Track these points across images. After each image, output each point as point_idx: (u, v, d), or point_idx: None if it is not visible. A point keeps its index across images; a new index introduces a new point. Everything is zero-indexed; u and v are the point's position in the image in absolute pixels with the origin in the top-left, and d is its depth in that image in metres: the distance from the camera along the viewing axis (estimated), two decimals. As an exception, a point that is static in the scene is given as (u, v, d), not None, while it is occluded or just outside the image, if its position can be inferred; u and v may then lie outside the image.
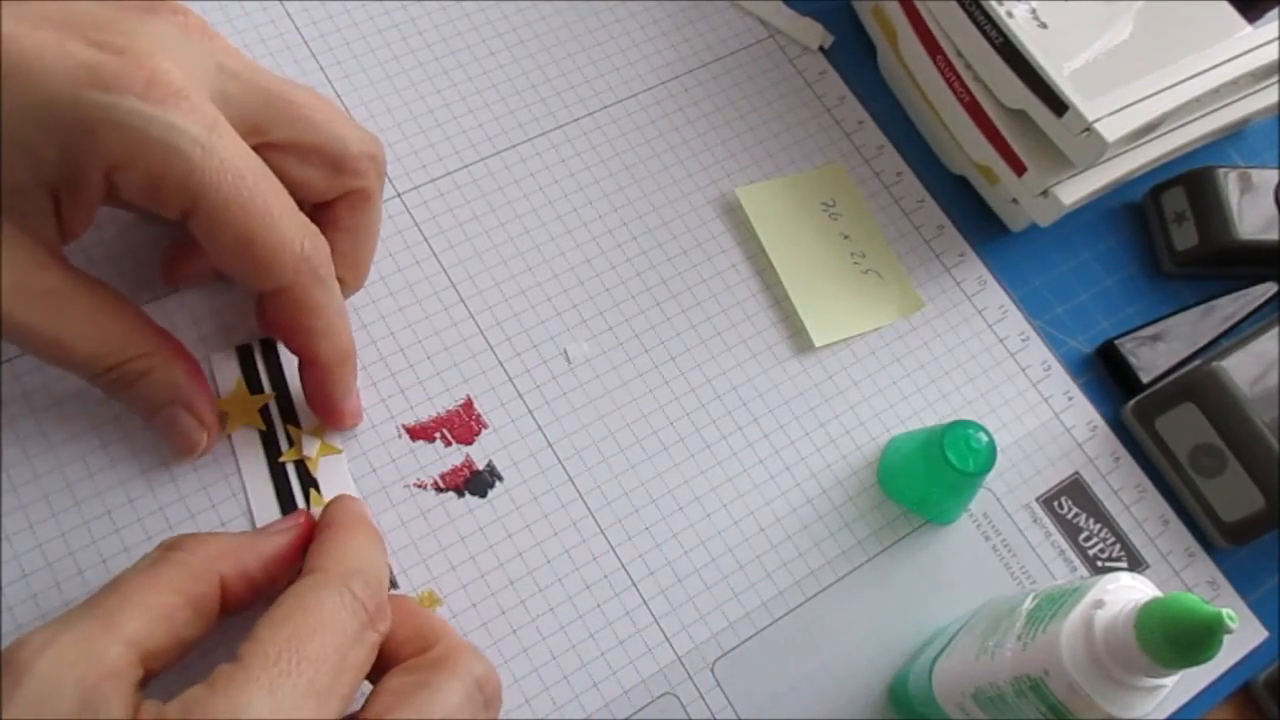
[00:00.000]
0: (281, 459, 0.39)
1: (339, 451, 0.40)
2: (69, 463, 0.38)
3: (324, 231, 0.37)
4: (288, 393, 0.40)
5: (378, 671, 0.32)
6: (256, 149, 0.34)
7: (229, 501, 0.39)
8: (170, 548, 0.32)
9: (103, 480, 0.38)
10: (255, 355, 0.41)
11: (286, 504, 0.39)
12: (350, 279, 0.39)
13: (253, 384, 0.40)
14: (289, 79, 0.36)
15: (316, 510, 0.38)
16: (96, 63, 0.30)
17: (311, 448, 0.40)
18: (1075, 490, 0.46)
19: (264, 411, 0.40)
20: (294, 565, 0.35)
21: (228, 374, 0.40)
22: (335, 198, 0.38)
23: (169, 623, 0.30)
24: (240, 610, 0.33)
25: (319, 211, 0.38)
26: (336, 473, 0.40)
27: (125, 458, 0.39)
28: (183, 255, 0.40)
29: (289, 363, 0.41)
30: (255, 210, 0.32)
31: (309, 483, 0.39)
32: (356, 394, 0.40)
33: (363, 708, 0.30)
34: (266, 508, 0.39)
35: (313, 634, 0.29)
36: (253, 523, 0.38)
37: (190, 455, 0.38)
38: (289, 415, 0.40)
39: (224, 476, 0.39)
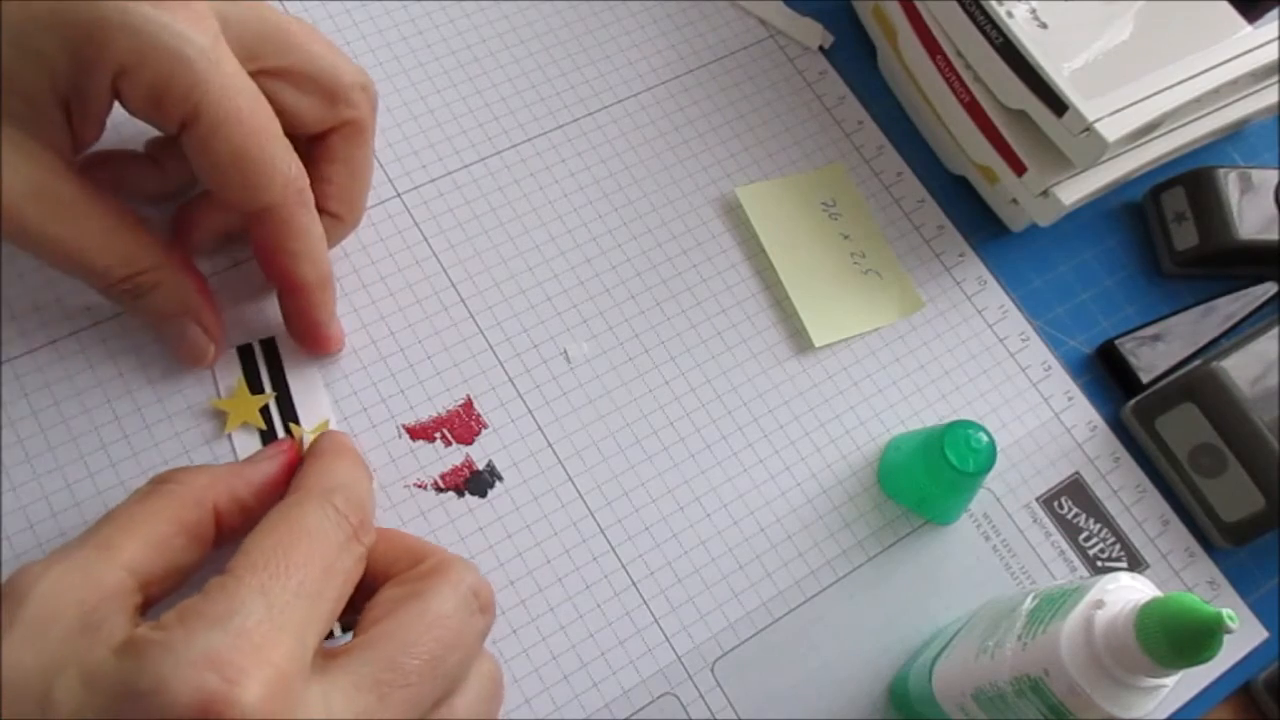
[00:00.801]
0: None
1: None
2: (69, 463, 0.38)
3: (318, 164, 0.39)
4: (288, 392, 0.40)
5: (371, 592, 0.32)
6: (252, 75, 0.35)
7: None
8: (162, 480, 0.32)
9: (103, 480, 0.38)
10: (256, 355, 0.41)
11: None
12: (346, 213, 0.40)
13: (254, 384, 0.40)
14: (283, 12, 0.37)
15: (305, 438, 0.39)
16: None
17: None
18: (1075, 490, 0.46)
19: (264, 412, 0.40)
20: (282, 487, 0.35)
21: (229, 374, 0.40)
22: (329, 129, 0.38)
23: (165, 549, 0.30)
24: (235, 538, 0.33)
25: (313, 144, 0.39)
26: None
27: (125, 458, 0.39)
28: (190, 218, 0.40)
29: (290, 362, 0.41)
30: (251, 127, 0.33)
31: None
32: (339, 321, 0.41)
33: (359, 622, 0.30)
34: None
35: (297, 542, 0.29)
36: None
37: (198, 365, 0.39)
38: (290, 414, 0.40)
39: (224, 476, 0.39)
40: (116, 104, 0.34)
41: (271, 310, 0.41)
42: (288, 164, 0.35)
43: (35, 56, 0.31)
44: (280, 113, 0.36)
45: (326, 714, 0.27)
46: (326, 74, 0.37)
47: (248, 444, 0.39)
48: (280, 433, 0.40)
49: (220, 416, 0.40)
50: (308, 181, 0.36)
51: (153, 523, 0.30)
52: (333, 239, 0.40)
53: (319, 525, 0.30)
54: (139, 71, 0.31)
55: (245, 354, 0.41)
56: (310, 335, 0.40)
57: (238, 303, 0.41)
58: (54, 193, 0.33)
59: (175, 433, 0.39)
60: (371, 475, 0.36)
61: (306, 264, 0.37)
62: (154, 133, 0.40)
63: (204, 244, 0.41)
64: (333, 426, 0.40)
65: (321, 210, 0.39)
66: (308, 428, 0.40)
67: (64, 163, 0.34)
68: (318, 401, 0.41)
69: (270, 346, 0.41)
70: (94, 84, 0.32)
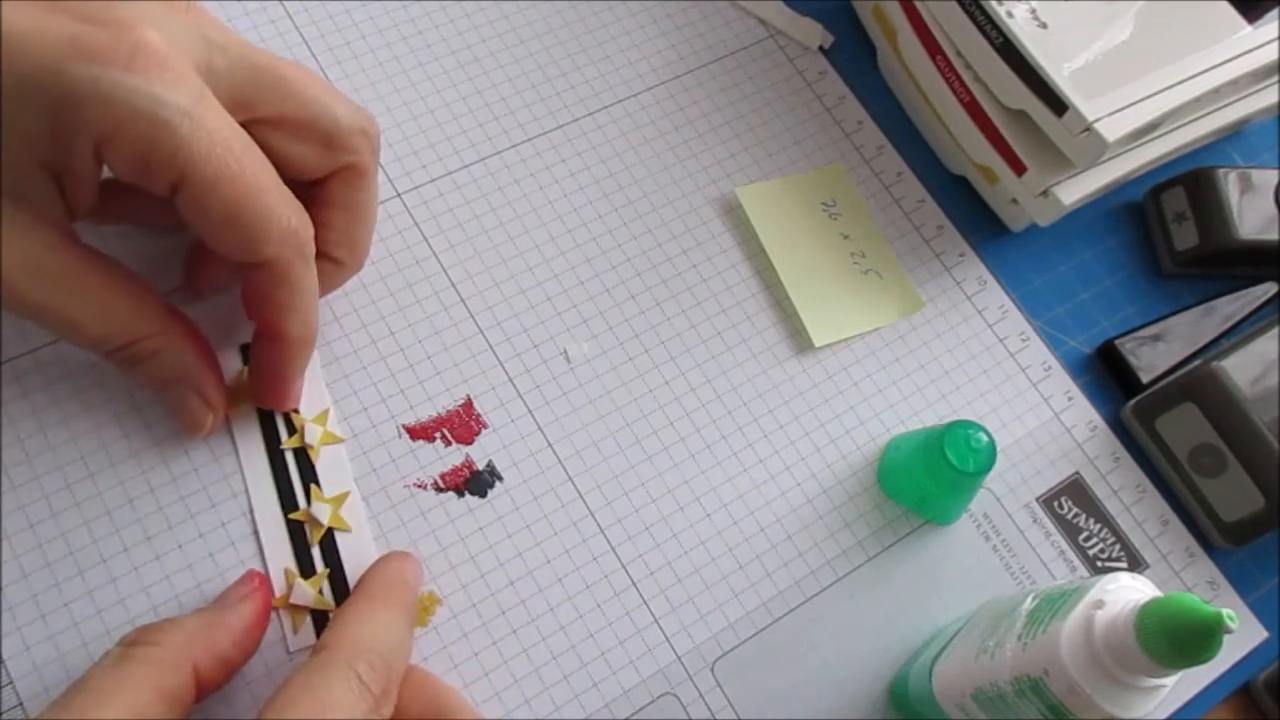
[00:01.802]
0: (282, 446, 0.39)
1: (340, 440, 0.40)
2: (69, 463, 0.38)
3: (319, 209, 0.38)
4: None
5: None
6: (245, 125, 0.34)
7: (229, 502, 0.39)
8: (134, 643, 0.31)
9: (103, 480, 0.38)
10: None
11: (286, 500, 0.39)
12: (348, 258, 0.39)
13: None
14: (278, 55, 0.36)
15: (319, 507, 0.39)
16: (79, 34, 0.30)
17: (314, 435, 0.40)
18: (1075, 490, 0.46)
19: None
20: (262, 629, 0.35)
21: (231, 370, 0.40)
22: (328, 174, 0.38)
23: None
24: (216, 689, 0.33)
25: (313, 189, 0.38)
26: (337, 465, 0.40)
27: (125, 458, 0.39)
28: (200, 262, 0.40)
29: None
30: (243, 183, 0.32)
31: (309, 476, 0.39)
32: (303, 379, 0.40)
33: None
34: (266, 503, 0.39)
35: (318, 716, 0.29)
36: (254, 523, 0.38)
37: (196, 434, 0.39)
38: None
39: (224, 476, 0.39)
40: None
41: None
42: (285, 217, 0.34)
43: (13, 130, 0.30)
44: (277, 161, 0.35)
45: None
46: (323, 120, 0.36)
47: (249, 432, 0.39)
48: (282, 423, 0.40)
49: (235, 415, 0.40)
50: (311, 233, 0.35)
51: (131, 692, 0.30)
52: (334, 283, 0.40)
53: (341, 700, 0.30)
54: (117, 140, 0.30)
55: (247, 352, 0.41)
56: (273, 388, 0.39)
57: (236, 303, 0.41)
58: (47, 266, 0.33)
59: (175, 432, 0.39)
60: (410, 618, 0.35)
61: (295, 319, 0.36)
62: None
63: (219, 278, 0.40)
64: (332, 422, 0.40)
65: (323, 255, 0.38)
66: (308, 417, 0.40)
67: (58, 233, 0.33)
68: (318, 391, 0.41)
69: None
70: (75, 155, 0.31)
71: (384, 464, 0.40)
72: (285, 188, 0.34)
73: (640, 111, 0.49)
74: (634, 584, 0.40)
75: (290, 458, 0.40)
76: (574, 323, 0.44)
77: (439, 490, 0.40)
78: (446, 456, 0.41)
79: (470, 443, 0.41)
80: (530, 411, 0.42)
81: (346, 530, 0.39)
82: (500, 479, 0.41)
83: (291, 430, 0.40)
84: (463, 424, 0.42)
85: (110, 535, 0.37)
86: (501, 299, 0.44)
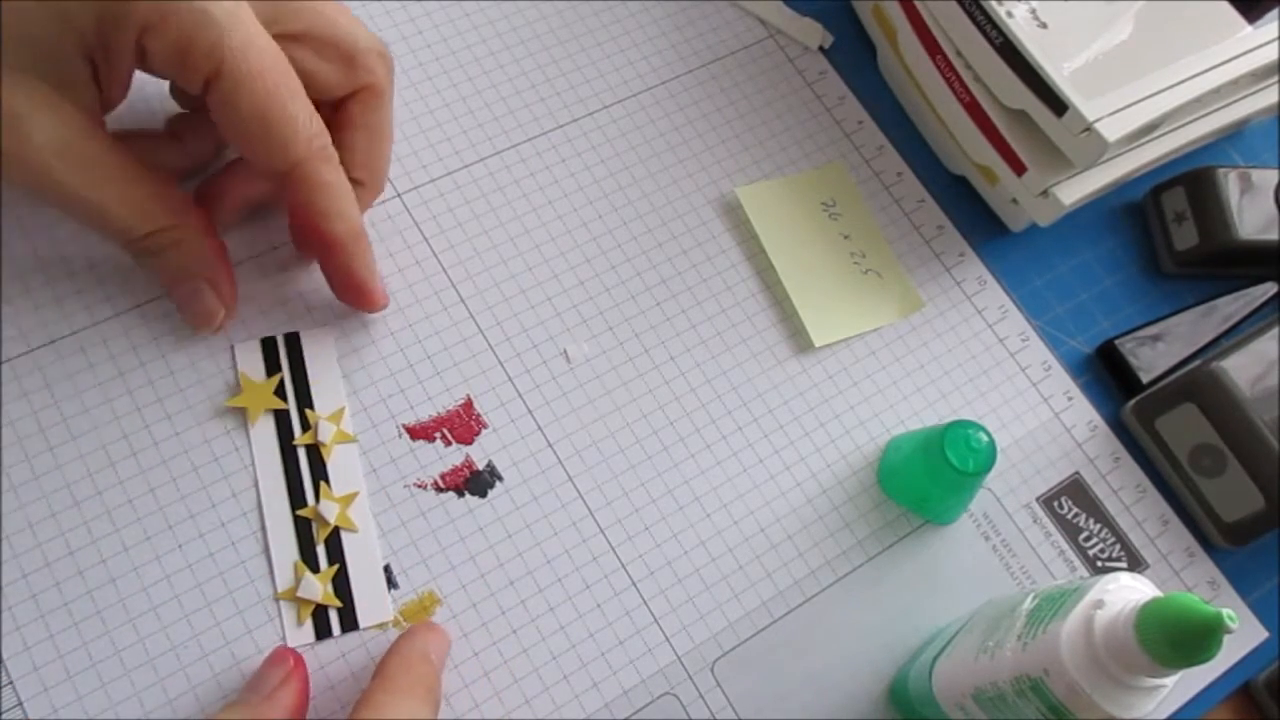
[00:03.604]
0: (295, 442, 0.39)
1: (353, 440, 0.40)
2: (69, 462, 0.38)
3: (339, 131, 0.39)
4: (305, 376, 0.41)
5: None
6: (273, 38, 0.35)
7: (229, 502, 0.39)
8: None
9: (102, 480, 0.38)
10: (279, 345, 0.41)
11: (295, 496, 0.39)
12: (369, 179, 0.40)
13: (271, 365, 0.41)
14: None
15: (327, 505, 0.38)
16: None
17: (327, 433, 0.40)
18: (1075, 490, 0.46)
19: (279, 392, 0.40)
20: (304, 713, 0.35)
21: (251, 364, 0.40)
22: (347, 95, 0.39)
23: None
24: None
25: (333, 110, 0.39)
26: (348, 464, 0.40)
27: (125, 457, 0.39)
28: (214, 190, 0.41)
29: (311, 354, 0.41)
30: (273, 84, 0.34)
31: (320, 473, 0.39)
32: (380, 277, 0.41)
33: None
34: (276, 497, 0.39)
35: None
36: (261, 518, 0.38)
37: (206, 327, 0.39)
38: (305, 400, 0.40)
39: (224, 476, 0.39)
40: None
41: (293, 304, 0.42)
42: (309, 122, 0.35)
43: (62, 14, 0.31)
44: (301, 76, 0.36)
45: None
46: (344, 39, 0.38)
47: (263, 427, 0.39)
48: (295, 415, 0.40)
49: (234, 414, 0.40)
50: (329, 139, 0.37)
51: None
52: (358, 205, 0.40)
53: None
54: (162, 28, 0.32)
55: (268, 346, 0.41)
56: (354, 291, 0.40)
57: (261, 295, 0.42)
58: (80, 150, 0.34)
59: (175, 432, 0.39)
60: (437, 701, 0.35)
61: (337, 221, 0.38)
62: (174, 111, 0.41)
63: (229, 216, 0.41)
64: (346, 421, 0.40)
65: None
66: (323, 414, 0.40)
67: (91, 120, 0.34)
68: (334, 389, 0.41)
69: (292, 340, 0.41)
70: (118, 41, 0.32)
71: (384, 464, 0.40)
72: (307, 98, 0.36)
73: (640, 111, 0.49)
74: (634, 584, 0.40)
75: (303, 454, 0.40)
76: (574, 323, 0.44)
77: (439, 490, 0.40)
78: (446, 456, 0.41)
79: (470, 443, 0.41)
80: (530, 411, 0.42)
81: (354, 531, 0.39)
82: (500, 479, 0.41)
83: (305, 426, 0.40)
84: (463, 424, 0.42)
85: (110, 535, 0.37)
86: (501, 299, 0.44)
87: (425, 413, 0.42)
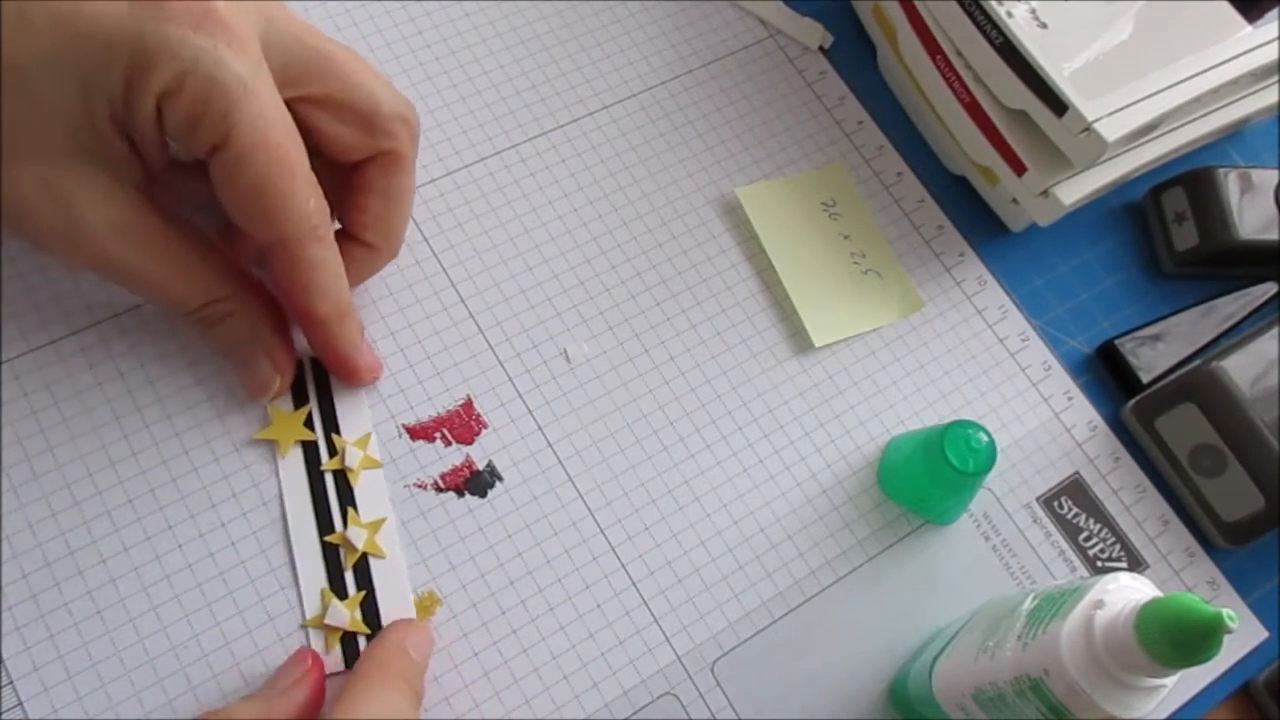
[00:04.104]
0: (323, 468, 0.39)
1: (379, 465, 0.40)
2: (69, 462, 0.38)
3: (356, 194, 0.39)
4: (332, 401, 0.40)
5: None
6: (291, 101, 0.35)
7: (229, 501, 0.39)
8: None
9: (102, 480, 0.38)
10: (305, 368, 0.41)
11: (323, 520, 0.39)
12: (383, 244, 0.40)
13: (298, 396, 0.40)
14: (329, 37, 0.37)
15: (354, 532, 0.38)
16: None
17: (354, 458, 0.40)
18: (1075, 490, 0.46)
19: (307, 422, 0.40)
20: (317, 710, 0.35)
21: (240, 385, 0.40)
22: (367, 158, 0.39)
23: None
24: None
25: (351, 173, 0.39)
26: (375, 490, 0.40)
27: (125, 458, 0.39)
28: (224, 243, 0.41)
29: (337, 379, 0.41)
30: (277, 159, 0.34)
31: (347, 499, 0.39)
32: (369, 348, 0.41)
33: None
34: (303, 524, 0.39)
35: None
36: (288, 542, 0.38)
37: (262, 396, 0.39)
38: (332, 423, 0.40)
39: (224, 476, 0.39)
40: None
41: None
42: (306, 200, 0.35)
43: (98, 87, 0.32)
44: (319, 140, 0.36)
45: None
46: (366, 104, 0.37)
47: (292, 459, 0.39)
48: (323, 445, 0.40)
49: (252, 416, 0.40)
50: (326, 216, 0.36)
51: None
52: (369, 269, 0.40)
53: None
54: (179, 95, 0.32)
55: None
56: (335, 366, 0.40)
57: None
58: (134, 227, 0.34)
59: (175, 432, 0.39)
60: (418, 694, 0.35)
61: (319, 299, 0.37)
62: None
63: (248, 255, 0.41)
64: (373, 446, 0.40)
65: (358, 240, 0.39)
66: (349, 439, 0.40)
67: (140, 195, 0.35)
68: (360, 415, 0.41)
69: (318, 364, 0.41)
70: (141, 107, 0.32)
71: (384, 464, 0.40)
72: (311, 173, 0.35)
73: (640, 111, 0.49)
74: (634, 584, 0.40)
75: (330, 479, 0.39)
76: (574, 323, 0.44)
77: (439, 490, 0.40)
78: (446, 456, 0.41)
79: (470, 443, 0.41)
80: (530, 411, 0.42)
81: (381, 557, 0.39)
82: (500, 479, 0.41)
83: (333, 452, 0.40)
84: (463, 424, 0.42)
85: (110, 535, 0.37)
86: (501, 299, 0.44)
87: (425, 413, 0.42)
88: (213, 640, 0.37)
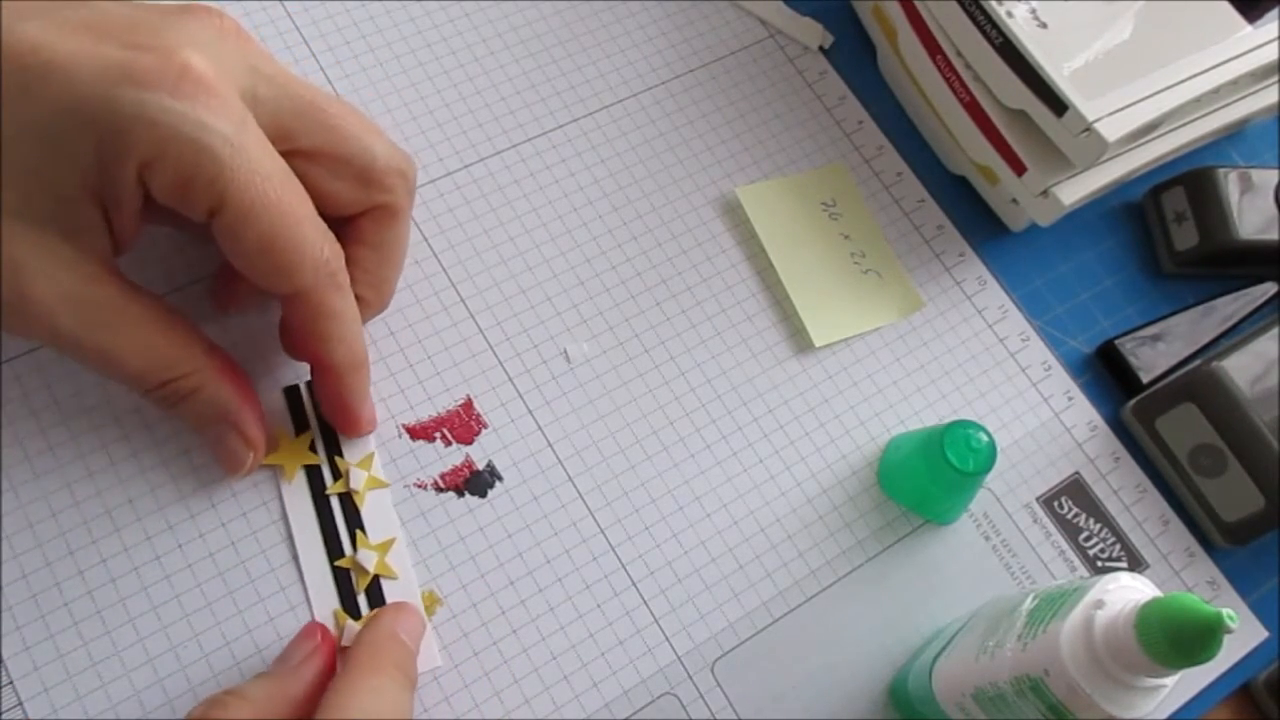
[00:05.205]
0: (328, 491, 0.39)
1: (386, 485, 0.40)
2: (69, 462, 0.38)
3: (349, 246, 0.37)
4: (334, 429, 0.40)
5: None
6: (283, 155, 0.34)
7: (229, 502, 0.39)
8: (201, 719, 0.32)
9: (103, 480, 0.38)
10: (301, 394, 0.40)
11: (332, 545, 0.38)
12: (374, 298, 0.39)
13: (298, 421, 0.40)
14: (322, 89, 0.36)
15: (365, 554, 0.38)
16: (127, 60, 0.30)
17: (359, 480, 0.40)
18: (1075, 490, 0.46)
19: (310, 446, 0.40)
20: (324, 687, 0.34)
21: (273, 417, 0.40)
22: (361, 212, 0.37)
23: None
24: None
25: (345, 225, 0.38)
26: (382, 510, 0.39)
27: (125, 458, 0.39)
28: (230, 279, 0.40)
29: None
30: (279, 212, 0.32)
31: (355, 522, 0.39)
32: (371, 402, 0.40)
33: None
34: (313, 549, 0.38)
35: None
36: (296, 562, 0.38)
37: (236, 473, 0.38)
38: (335, 446, 0.40)
39: (225, 476, 0.39)
40: None
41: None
42: (319, 247, 0.34)
43: (66, 155, 0.30)
44: (312, 194, 0.35)
45: None
46: (361, 157, 0.36)
47: (297, 485, 0.39)
48: (327, 469, 0.39)
49: (275, 469, 0.39)
50: (342, 262, 0.36)
51: None
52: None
53: None
54: (161, 164, 0.31)
55: (291, 394, 0.40)
56: (340, 417, 0.39)
57: (267, 340, 0.41)
58: (87, 299, 0.33)
59: (175, 431, 0.39)
60: (410, 680, 0.35)
61: (340, 347, 0.37)
62: None
63: (247, 302, 0.40)
64: (376, 466, 0.40)
65: None
66: (352, 461, 0.40)
67: (100, 266, 0.33)
68: (363, 438, 0.40)
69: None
70: (120, 178, 0.31)
71: (384, 464, 0.40)
72: (319, 219, 0.34)
73: (640, 111, 0.49)
74: (634, 584, 0.40)
75: (335, 503, 0.39)
76: (574, 323, 0.44)
77: (439, 490, 0.40)
78: (446, 456, 0.41)
79: (470, 443, 0.41)
80: (530, 411, 0.42)
81: (393, 578, 0.38)
82: (500, 479, 0.41)
83: (336, 475, 0.40)
84: (463, 424, 0.42)
85: (110, 535, 0.37)
86: (501, 299, 0.44)
87: (425, 413, 0.42)
88: (213, 640, 0.37)
